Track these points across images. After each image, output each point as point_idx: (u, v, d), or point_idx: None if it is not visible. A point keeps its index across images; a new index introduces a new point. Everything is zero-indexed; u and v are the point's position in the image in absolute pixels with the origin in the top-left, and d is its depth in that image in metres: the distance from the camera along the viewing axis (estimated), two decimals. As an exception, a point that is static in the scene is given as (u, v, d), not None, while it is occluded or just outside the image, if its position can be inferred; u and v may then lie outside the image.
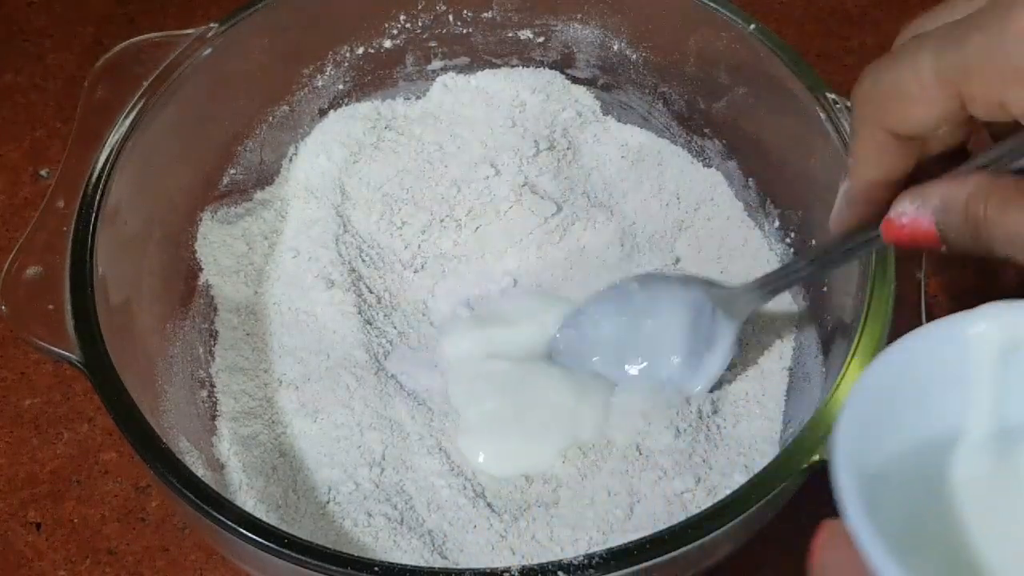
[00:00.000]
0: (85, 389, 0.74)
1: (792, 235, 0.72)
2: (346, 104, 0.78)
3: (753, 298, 0.65)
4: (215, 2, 0.92)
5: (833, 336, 0.64)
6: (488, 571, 0.48)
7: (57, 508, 0.69)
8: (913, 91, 0.45)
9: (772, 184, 0.73)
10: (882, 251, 0.57)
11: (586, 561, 0.48)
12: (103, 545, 0.68)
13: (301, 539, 0.50)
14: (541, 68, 0.80)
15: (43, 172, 0.85)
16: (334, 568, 0.48)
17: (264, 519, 0.51)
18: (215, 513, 0.51)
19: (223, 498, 0.51)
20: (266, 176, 0.76)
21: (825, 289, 0.67)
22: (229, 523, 0.50)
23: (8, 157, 0.87)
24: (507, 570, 0.48)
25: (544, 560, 0.49)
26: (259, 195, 0.75)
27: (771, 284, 0.64)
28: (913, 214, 0.48)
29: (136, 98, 0.64)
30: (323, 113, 0.78)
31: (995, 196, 0.45)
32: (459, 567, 0.48)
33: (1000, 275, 0.75)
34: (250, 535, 0.50)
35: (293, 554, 0.49)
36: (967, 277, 0.75)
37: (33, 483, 0.70)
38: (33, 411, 0.74)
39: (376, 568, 0.48)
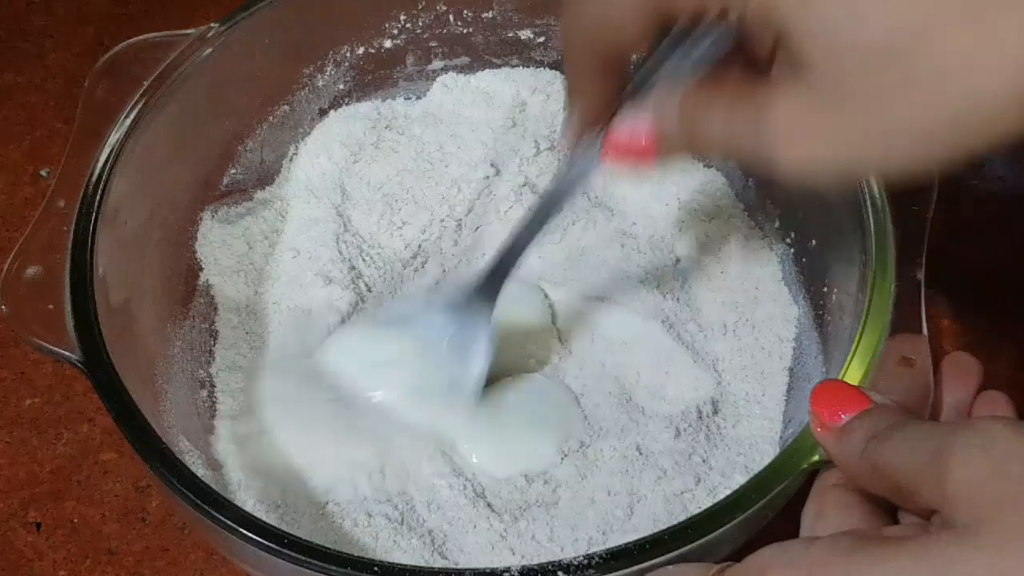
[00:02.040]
0: (85, 389, 0.75)
1: (792, 235, 0.72)
2: (346, 104, 0.79)
3: (487, 280, 0.64)
4: (215, 2, 0.93)
5: (833, 336, 0.65)
6: (488, 571, 0.48)
7: (57, 508, 0.70)
8: (619, 16, 0.48)
9: (772, 184, 0.73)
10: (883, 252, 0.58)
11: (586, 561, 0.48)
12: (103, 545, 0.68)
13: (301, 539, 0.50)
14: (541, 68, 0.80)
15: (43, 172, 0.86)
16: (334, 568, 0.49)
17: (264, 519, 0.52)
18: (215, 513, 0.51)
19: (223, 498, 0.52)
20: (266, 176, 0.77)
21: (825, 289, 0.67)
22: (229, 523, 0.51)
23: (8, 157, 0.87)
24: (507, 570, 0.48)
25: (544, 560, 0.50)
26: (259, 195, 0.76)
27: (501, 255, 0.63)
28: (630, 125, 0.50)
29: (136, 98, 0.65)
30: (323, 113, 0.78)
31: (702, 93, 0.48)
32: (459, 567, 0.48)
33: (999, 276, 0.76)
34: (250, 535, 0.50)
35: (293, 554, 0.49)
36: (967, 278, 0.75)
37: (33, 483, 0.71)
38: (33, 411, 0.74)
39: (376, 568, 0.49)
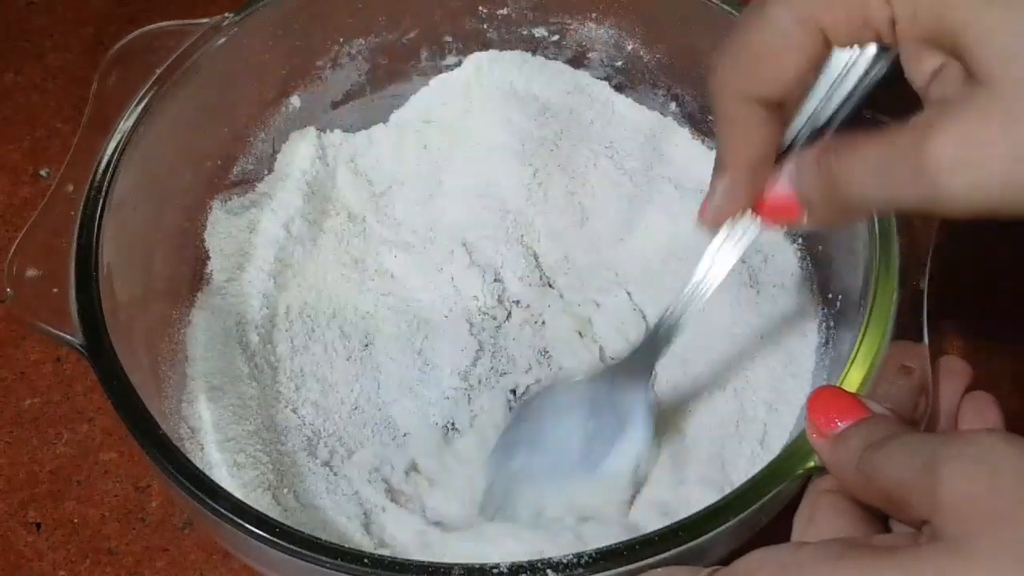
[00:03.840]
0: (85, 389, 0.75)
1: (801, 238, 0.74)
2: (359, 98, 0.80)
3: (643, 356, 0.64)
4: (213, 2, 0.94)
5: (836, 341, 0.66)
6: (478, 567, 0.49)
7: (57, 508, 0.70)
8: (776, 43, 0.46)
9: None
10: (887, 259, 0.58)
11: (575, 560, 0.49)
12: (103, 545, 0.69)
13: (293, 528, 0.51)
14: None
15: (43, 172, 0.87)
16: (325, 558, 0.49)
17: (256, 505, 0.53)
18: (210, 501, 0.52)
19: (219, 486, 0.53)
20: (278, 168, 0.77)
21: (831, 295, 0.69)
22: (223, 511, 0.51)
23: (8, 157, 0.88)
24: (496, 566, 0.49)
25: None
26: (261, 187, 0.77)
27: (651, 340, 0.63)
28: (773, 186, 0.50)
29: (148, 86, 0.65)
30: (336, 106, 0.79)
31: (842, 145, 0.46)
32: (448, 562, 0.48)
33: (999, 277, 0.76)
34: (243, 523, 0.51)
35: (285, 543, 0.50)
36: (967, 280, 0.76)
37: (33, 483, 0.71)
38: (33, 411, 0.75)
39: (366, 560, 0.49)
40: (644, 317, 0.73)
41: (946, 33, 0.42)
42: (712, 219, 0.54)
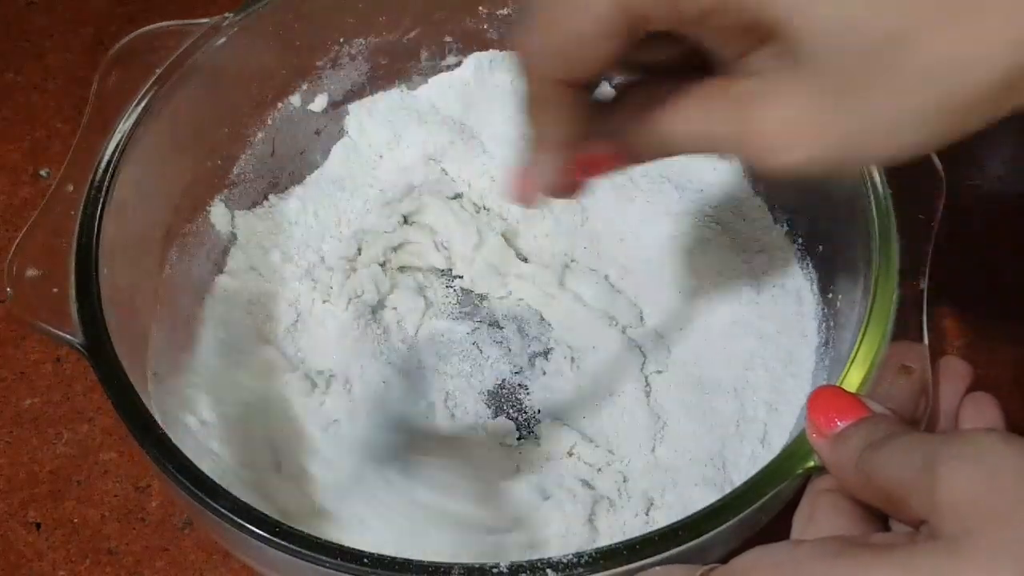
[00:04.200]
0: (85, 389, 0.76)
1: (800, 239, 0.74)
2: (360, 98, 0.80)
3: None
4: (214, 1, 0.94)
5: (836, 341, 0.66)
6: (477, 567, 0.49)
7: (57, 508, 0.70)
8: (592, 30, 0.43)
9: (781, 188, 0.75)
10: (887, 259, 0.59)
11: (575, 559, 0.49)
12: (103, 545, 0.69)
13: (291, 528, 0.51)
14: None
15: (43, 172, 0.87)
16: (324, 558, 0.50)
17: (255, 504, 0.53)
18: (209, 500, 0.52)
19: (219, 485, 0.53)
20: (277, 167, 0.78)
21: (831, 295, 0.69)
22: (223, 511, 0.52)
23: (8, 157, 0.88)
24: (495, 566, 0.49)
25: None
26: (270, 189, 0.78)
27: None
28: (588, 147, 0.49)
29: (148, 85, 0.66)
30: (336, 106, 0.79)
31: (664, 100, 0.46)
32: (448, 562, 0.49)
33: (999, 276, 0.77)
34: (241, 522, 0.51)
35: (284, 543, 0.50)
36: (967, 278, 0.77)
37: (33, 483, 0.71)
38: (33, 411, 0.75)
39: (366, 559, 0.49)
40: (642, 316, 0.73)
41: (768, 14, 0.41)
42: (524, 197, 0.51)
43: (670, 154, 0.48)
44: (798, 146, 0.42)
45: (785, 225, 0.75)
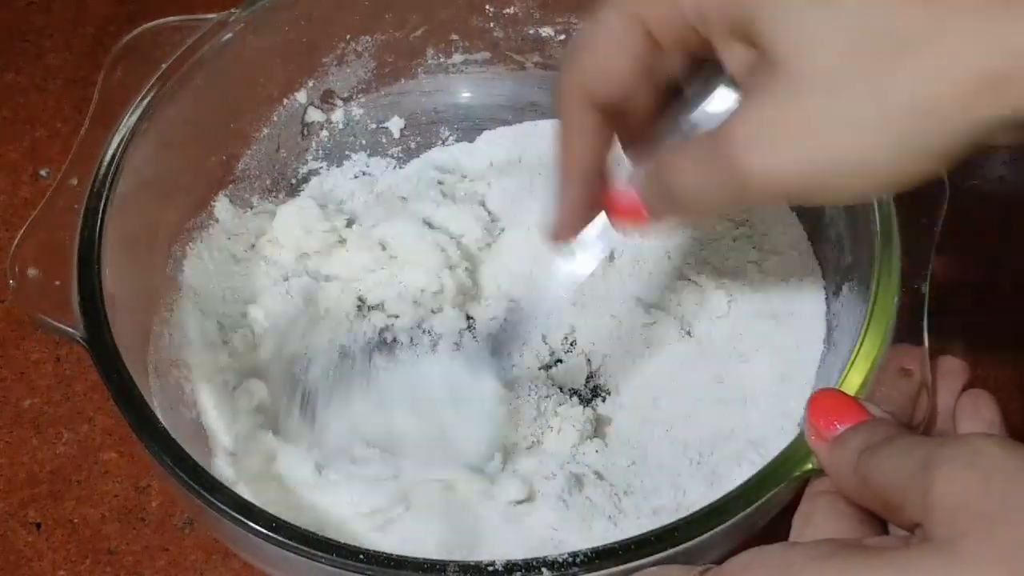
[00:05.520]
0: (85, 389, 0.76)
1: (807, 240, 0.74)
2: (364, 95, 0.81)
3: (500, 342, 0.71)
4: (216, 1, 0.94)
5: (836, 344, 0.67)
6: (472, 564, 0.49)
7: (57, 508, 0.71)
8: (605, 42, 0.48)
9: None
10: (888, 262, 0.59)
11: (571, 559, 0.50)
12: (103, 545, 0.69)
13: (289, 523, 0.51)
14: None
15: (43, 172, 0.88)
16: (320, 554, 0.50)
17: (254, 501, 0.53)
18: (207, 495, 0.53)
19: (216, 480, 0.54)
20: (282, 164, 0.79)
21: (832, 296, 0.69)
22: (220, 504, 0.52)
23: (8, 157, 0.89)
24: (491, 564, 0.49)
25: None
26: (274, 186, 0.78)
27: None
28: (623, 186, 0.52)
29: (154, 80, 0.66)
30: (345, 101, 0.80)
31: (675, 146, 0.48)
32: (443, 560, 0.49)
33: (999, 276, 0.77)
34: (238, 516, 0.52)
35: (282, 538, 0.51)
36: (967, 279, 0.77)
37: (33, 483, 0.72)
38: (33, 411, 0.75)
39: (361, 556, 0.50)
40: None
41: (744, 20, 0.44)
42: (555, 233, 0.56)
43: (683, 207, 0.49)
44: (760, 152, 0.43)
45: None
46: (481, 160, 0.82)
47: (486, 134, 0.83)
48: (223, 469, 0.64)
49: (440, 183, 0.80)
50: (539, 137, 0.81)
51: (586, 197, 0.54)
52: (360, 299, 0.75)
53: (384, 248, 0.75)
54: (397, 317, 0.74)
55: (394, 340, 0.73)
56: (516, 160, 0.81)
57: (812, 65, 0.41)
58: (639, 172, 0.51)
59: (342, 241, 0.76)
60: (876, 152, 0.41)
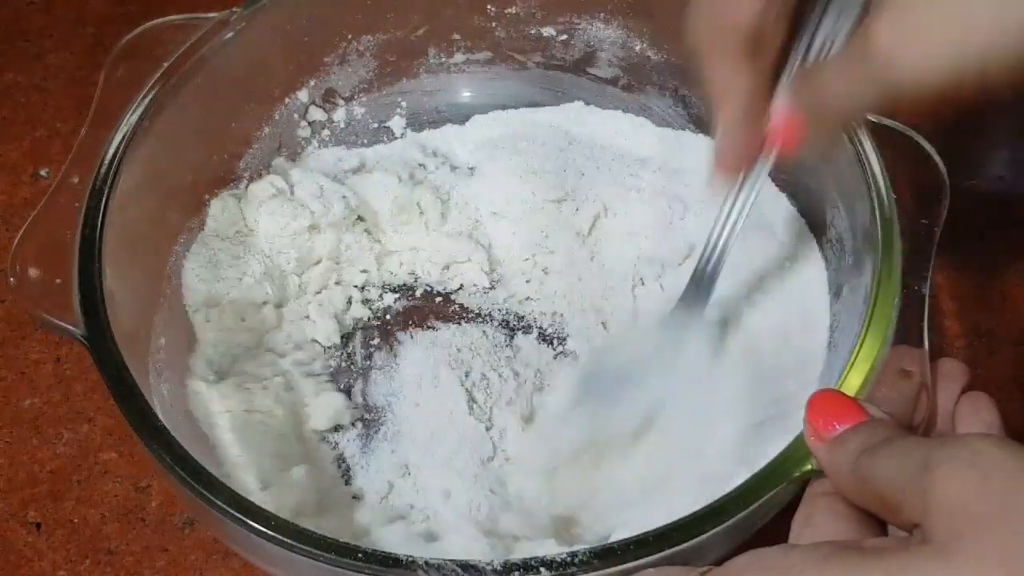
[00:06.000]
0: (85, 389, 0.76)
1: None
2: (366, 94, 0.81)
3: (693, 291, 0.67)
4: (217, 1, 0.95)
5: (836, 344, 0.67)
6: (470, 563, 0.50)
7: (57, 508, 0.71)
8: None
9: (790, 184, 0.76)
10: (889, 263, 0.59)
11: (569, 558, 0.50)
12: (103, 545, 0.70)
13: (288, 521, 0.52)
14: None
15: (43, 172, 0.88)
16: (318, 552, 0.50)
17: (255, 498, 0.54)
18: (205, 492, 0.53)
19: (214, 477, 0.54)
20: (283, 162, 0.79)
21: (833, 297, 0.70)
22: (220, 504, 0.52)
23: (8, 157, 0.89)
24: (489, 564, 0.49)
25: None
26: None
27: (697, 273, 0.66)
28: (781, 109, 0.54)
29: (155, 79, 0.67)
30: (348, 100, 0.81)
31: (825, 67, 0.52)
32: (440, 558, 0.49)
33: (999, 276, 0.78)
34: (237, 515, 0.52)
35: (280, 536, 0.51)
36: (967, 278, 0.77)
37: (33, 483, 0.72)
38: (33, 411, 0.75)
39: (360, 555, 0.50)
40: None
41: None
42: (724, 169, 0.59)
43: (839, 115, 0.53)
44: (905, 50, 0.46)
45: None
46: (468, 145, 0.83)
47: (477, 118, 0.84)
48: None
49: (422, 166, 0.81)
50: (533, 124, 0.83)
51: (751, 134, 0.56)
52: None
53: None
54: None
55: None
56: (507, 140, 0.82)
57: None
58: (792, 92, 0.53)
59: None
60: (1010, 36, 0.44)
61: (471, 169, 0.81)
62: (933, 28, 0.45)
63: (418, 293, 0.78)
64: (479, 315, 0.76)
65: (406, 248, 0.77)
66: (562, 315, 0.76)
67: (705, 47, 0.53)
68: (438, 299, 0.77)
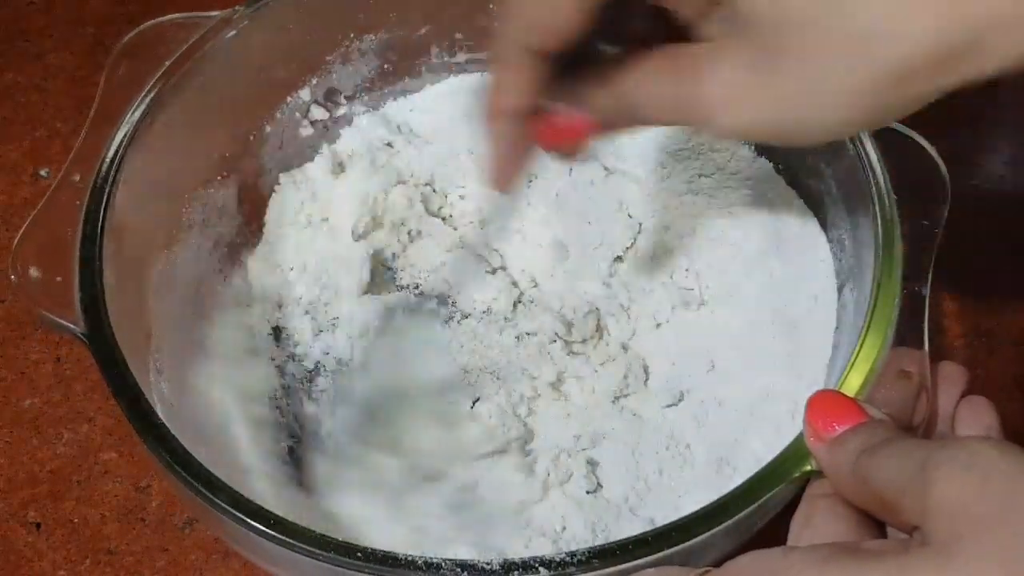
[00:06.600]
0: (85, 389, 0.77)
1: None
2: (368, 93, 0.82)
3: None
4: (217, 1, 0.95)
5: (837, 344, 0.67)
6: (469, 563, 0.50)
7: (57, 508, 0.71)
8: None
9: (797, 176, 0.76)
10: (889, 264, 0.59)
11: (568, 558, 0.50)
12: (103, 545, 0.70)
13: (288, 521, 0.52)
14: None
15: (43, 172, 0.88)
16: (318, 551, 0.51)
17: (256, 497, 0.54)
18: (205, 492, 0.53)
19: (215, 476, 0.54)
20: (285, 161, 0.79)
21: (839, 296, 0.69)
22: (221, 503, 0.53)
23: (8, 157, 0.89)
24: (488, 563, 0.50)
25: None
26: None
27: None
28: (567, 111, 0.53)
29: (157, 78, 0.67)
30: (349, 99, 0.81)
31: (630, 63, 0.50)
32: (439, 559, 0.50)
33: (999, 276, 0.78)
34: (236, 513, 0.52)
35: (280, 536, 0.51)
36: (967, 279, 0.78)
37: (33, 483, 0.72)
38: (33, 411, 0.76)
39: (359, 554, 0.50)
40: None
41: None
42: (494, 180, 0.57)
43: (633, 122, 0.53)
44: (737, 108, 0.46)
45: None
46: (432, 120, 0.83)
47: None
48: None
49: (389, 145, 0.81)
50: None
51: (521, 134, 0.55)
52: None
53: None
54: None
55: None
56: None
57: (773, 22, 0.44)
58: (586, 92, 0.52)
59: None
60: (851, 113, 0.45)
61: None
62: (760, 100, 0.46)
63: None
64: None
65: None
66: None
67: (506, 45, 0.52)
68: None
